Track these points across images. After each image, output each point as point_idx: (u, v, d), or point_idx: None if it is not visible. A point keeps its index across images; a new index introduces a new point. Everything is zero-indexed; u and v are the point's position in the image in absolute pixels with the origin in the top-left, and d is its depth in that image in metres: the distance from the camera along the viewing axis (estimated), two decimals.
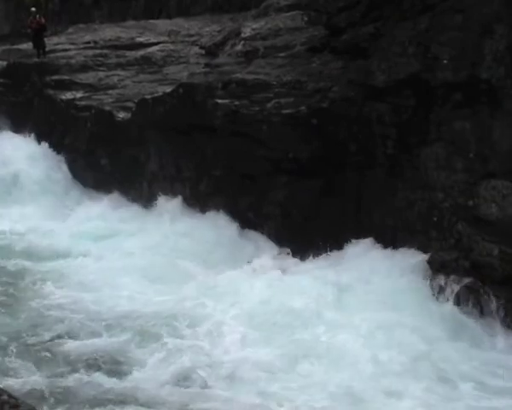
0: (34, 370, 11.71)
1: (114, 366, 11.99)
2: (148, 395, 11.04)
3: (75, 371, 11.75)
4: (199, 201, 18.26)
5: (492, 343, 12.60)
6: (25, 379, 11.32)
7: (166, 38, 26.82)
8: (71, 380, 11.42)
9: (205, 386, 11.42)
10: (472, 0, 14.40)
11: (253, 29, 21.91)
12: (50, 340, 12.89)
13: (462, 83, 14.36)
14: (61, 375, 11.64)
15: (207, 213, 17.88)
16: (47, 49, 26.02)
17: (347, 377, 11.46)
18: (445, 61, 14.65)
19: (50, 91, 23.25)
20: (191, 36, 26.47)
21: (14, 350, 12.38)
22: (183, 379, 11.59)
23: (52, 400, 10.78)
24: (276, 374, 11.73)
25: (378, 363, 11.79)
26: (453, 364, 11.85)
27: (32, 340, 12.85)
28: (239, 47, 21.37)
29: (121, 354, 12.40)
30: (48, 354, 12.38)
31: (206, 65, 21.68)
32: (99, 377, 11.50)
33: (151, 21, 30.18)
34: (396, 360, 11.87)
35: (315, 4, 20.03)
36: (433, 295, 13.73)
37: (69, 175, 21.74)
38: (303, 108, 16.77)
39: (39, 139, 22.83)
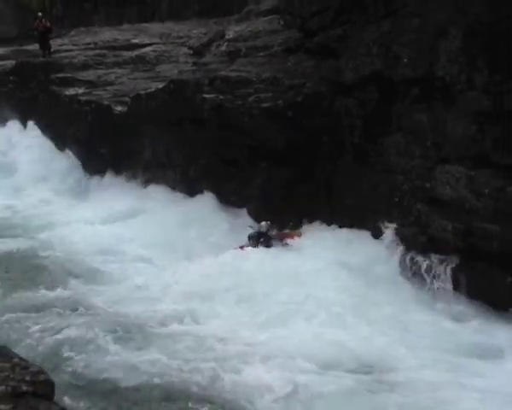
0: None
1: None
2: None
3: None
4: (188, 185, 18.29)
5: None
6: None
7: (158, 40, 26.73)
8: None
9: None
10: (428, 6, 14.44)
11: (236, 31, 21.90)
12: None
13: (419, 80, 14.41)
14: None
15: (196, 197, 17.91)
16: (52, 49, 25.88)
17: None
18: (405, 60, 14.69)
19: (55, 88, 23.14)
20: (181, 38, 26.39)
21: None
22: None
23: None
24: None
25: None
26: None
27: None
28: (223, 47, 21.35)
29: None
30: None
31: (194, 63, 21.65)
32: None
33: (145, 25, 30.05)
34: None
35: (290, 9, 19.98)
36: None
37: (73, 162, 21.62)
38: (280, 102, 16.80)
39: (44, 130, 22.71)
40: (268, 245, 15.36)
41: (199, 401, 9.44)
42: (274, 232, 15.76)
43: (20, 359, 3.55)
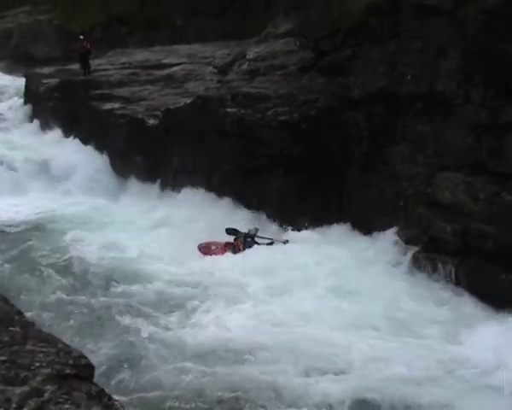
0: None
1: None
2: None
3: None
4: (213, 190, 18.30)
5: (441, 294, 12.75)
6: None
7: (186, 60, 26.75)
8: None
9: None
10: (429, 28, 14.38)
11: (256, 52, 21.87)
12: None
13: (422, 95, 14.35)
14: None
15: (220, 200, 17.92)
16: (91, 68, 26.03)
17: None
18: (409, 78, 14.64)
19: (94, 103, 23.22)
20: (206, 58, 26.40)
21: None
22: None
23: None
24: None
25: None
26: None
27: None
28: (244, 67, 21.32)
29: None
30: None
31: (219, 81, 21.64)
32: None
33: (174, 46, 30.10)
34: None
35: (304, 33, 19.96)
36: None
37: (110, 170, 21.72)
38: (295, 115, 16.77)
39: (84, 141, 22.84)
40: (250, 246, 15.36)
41: None
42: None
43: (64, 345, 3.55)
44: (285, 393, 9.35)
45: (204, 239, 15.62)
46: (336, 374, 9.97)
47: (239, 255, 15.07)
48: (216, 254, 15.26)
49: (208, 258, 15.06)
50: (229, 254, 15.22)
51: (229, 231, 15.63)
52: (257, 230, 15.65)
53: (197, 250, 15.36)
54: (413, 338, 11.17)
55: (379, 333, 11.35)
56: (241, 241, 15.39)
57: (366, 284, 12.85)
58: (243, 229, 15.76)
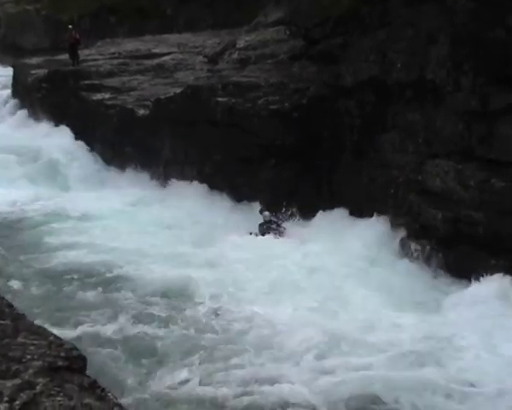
0: None
1: None
2: None
3: None
4: (204, 180, 18.27)
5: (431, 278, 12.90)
6: None
7: (176, 50, 26.61)
8: None
9: None
10: (420, 16, 14.38)
11: (246, 41, 21.79)
12: None
13: (412, 83, 14.38)
14: None
15: (211, 191, 17.89)
16: (80, 59, 25.87)
17: None
18: (399, 66, 14.66)
19: (83, 93, 23.06)
20: (196, 47, 26.27)
21: None
22: None
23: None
24: None
25: None
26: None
27: None
28: (235, 56, 21.26)
29: None
30: None
31: (209, 70, 21.56)
32: None
33: (164, 36, 29.94)
34: None
35: (295, 21, 19.91)
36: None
37: (100, 160, 21.62)
38: (286, 104, 16.75)
39: (74, 131, 22.71)
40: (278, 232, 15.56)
41: None
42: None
43: (56, 337, 3.54)
44: None
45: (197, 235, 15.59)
46: None
47: None
48: None
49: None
50: None
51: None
52: (270, 214, 15.97)
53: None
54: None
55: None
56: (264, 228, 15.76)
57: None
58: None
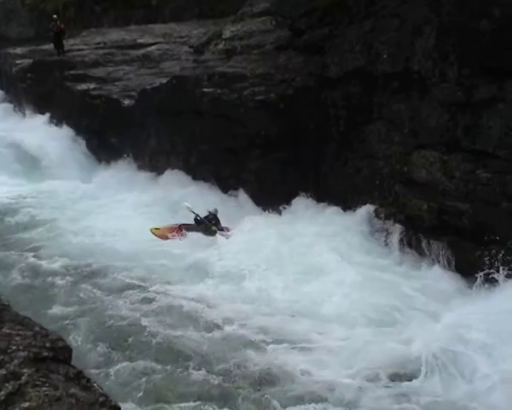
0: None
1: None
2: None
3: None
4: (190, 171, 18.22)
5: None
6: None
7: (162, 40, 26.50)
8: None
9: None
10: (406, 7, 14.38)
11: (232, 31, 21.71)
12: None
13: (398, 73, 14.38)
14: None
15: (197, 181, 17.85)
16: (65, 49, 25.67)
17: None
18: (385, 56, 14.65)
19: (69, 83, 22.93)
20: (182, 37, 26.18)
21: None
22: None
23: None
24: None
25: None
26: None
27: None
28: (221, 46, 21.18)
29: None
30: None
31: (195, 61, 21.48)
32: None
33: (149, 26, 29.78)
34: None
35: (281, 11, 19.88)
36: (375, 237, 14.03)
37: (86, 151, 21.49)
38: (272, 94, 16.73)
39: (60, 122, 22.56)
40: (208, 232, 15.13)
41: None
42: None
43: (41, 328, 3.52)
44: None
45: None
46: None
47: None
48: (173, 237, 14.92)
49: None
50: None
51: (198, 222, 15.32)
52: (216, 212, 15.41)
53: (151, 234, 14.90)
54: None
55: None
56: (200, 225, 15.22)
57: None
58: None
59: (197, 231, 15.17)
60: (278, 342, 10.48)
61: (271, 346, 10.36)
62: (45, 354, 3.22)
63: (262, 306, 11.71)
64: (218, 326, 11.07)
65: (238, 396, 9.07)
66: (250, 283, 12.49)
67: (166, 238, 14.74)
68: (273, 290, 12.16)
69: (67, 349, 3.40)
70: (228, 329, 10.96)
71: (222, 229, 15.32)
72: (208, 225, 15.15)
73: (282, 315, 11.33)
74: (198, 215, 15.22)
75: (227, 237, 14.92)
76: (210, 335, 10.81)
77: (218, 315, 11.40)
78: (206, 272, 13.23)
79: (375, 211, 14.42)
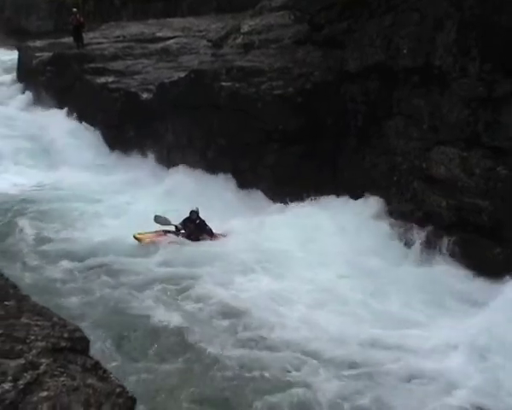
0: None
1: None
2: None
3: None
4: (207, 165, 18.22)
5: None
6: None
7: (181, 33, 26.55)
8: None
9: None
10: (426, 1, 14.26)
11: (250, 25, 21.69)
12: None
13: (418, 68, 14.27)
14: None
15: (213, 176, 17.87)
16: (84, 42, 25.80)
17: None
18: (405, 51, 14.55)
19: (88, 76, 23.04)
20: (201, 31, 26.21)
21: None
22: None
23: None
24: None
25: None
26: None
27: None
28: (239, 40, 21.16)
29: None
30: None
31: (213, 55, 21.49)
32: None
33: (168, 19, 29.85)
34: None
35: (300, 5, 19.82)
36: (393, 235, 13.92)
37: (103, 144, 21.57)
38: (290, 89, 16.67)
39: (78, 115, 22.68)
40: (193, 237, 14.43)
41: None
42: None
43: (59, 318, 3.54)
44: None
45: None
46: None
47: None
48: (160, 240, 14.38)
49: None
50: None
51: (158, 220, 14.64)
52: (197, 210, 14.64)
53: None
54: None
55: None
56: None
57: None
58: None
59: (182, 236, 14.54)
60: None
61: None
62: (63, 344, 3.23)
63: None
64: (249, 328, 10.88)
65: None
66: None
67: (152, 242, 14.17)
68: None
69: (85, 340, 3.42)
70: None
71: (209, 231, 14.52)
72: (192, 228, 14.46)
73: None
74: (175, 225, 14.54)
75: (224, 235, 14.49)
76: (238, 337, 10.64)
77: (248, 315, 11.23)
78: (228, 262, 13.17)
79: (393, 208, 14.32)
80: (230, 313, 11.31)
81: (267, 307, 11.32)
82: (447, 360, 9.67)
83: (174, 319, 11.02)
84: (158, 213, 14.73)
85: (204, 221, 14.63)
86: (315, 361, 9.69)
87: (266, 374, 9.42)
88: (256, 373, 9.45)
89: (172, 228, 14.63)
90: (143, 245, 14.08)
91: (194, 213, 14.59)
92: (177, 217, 14.73)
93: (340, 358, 9.83)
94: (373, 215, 14.49)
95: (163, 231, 14.64)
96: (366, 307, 11.42)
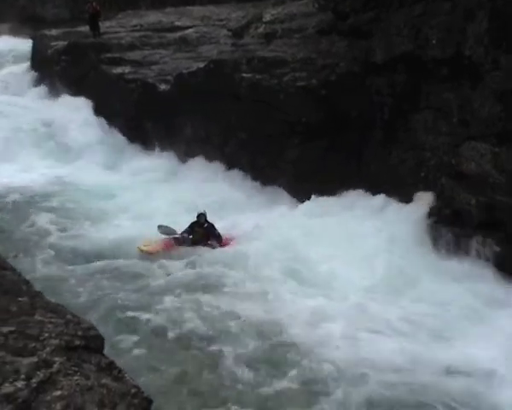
0: None
1: None
2: None
3: None
4: (226, 160, 18.23)
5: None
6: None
7: (200, 22, 26.59)
8: None
9: None
10: None
11: (272, 14, 21.68)
12: None
13: (447, 59, 14.14)
14: None
15: (230, 171, 17.86)
16: (101, 31, 25.93)
17: None
18: (434, 41, 14.44)
19: (104, 66, 23.14)
20: (221, 20, 26.22)
21: None
22: None
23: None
24: None
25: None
26: None
27: None
28: (261, 29, 21.15)
29: None
30: None
31: (233, 44, 21.49)
32: None
33: (187, 8, 29.91)
34: None
35: None
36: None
37: (120, 136, 21.68)
38: (314, 80, 16.63)
39: (94, 106, 22.79)
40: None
41: None
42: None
43: (73, 315, 3.57)
44: None
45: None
46: None
47: None
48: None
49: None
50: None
51: (162, 230, 14.10)
52: (205, 213, 14.13)
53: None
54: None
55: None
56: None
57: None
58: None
59: (189, 244, 13.96)
60: None
61: None
62: (77, 342, 3.25)
63: None
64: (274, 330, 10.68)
65: None
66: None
67: (159, 253, 13.65)
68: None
69: (99, 338, 3.44)
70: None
71: (217, 236, 14.02)
72: (200, 233, 13.95)
73: None
74: (181, 234, 14.00)
75: (232, 239, 14.12)
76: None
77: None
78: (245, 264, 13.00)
79: (421, 205, 14.21)
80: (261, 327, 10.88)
81: (302, 323, 10.85)
82: None
83: (199, 330, 10.68)
84: (161, 224, 14.19)
85: (213, 225, 14.08)
86: None
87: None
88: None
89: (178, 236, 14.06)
90: (151, 257, 13.52)
91: (203, 217, 14.05)
92: (186, 223, 14.24)
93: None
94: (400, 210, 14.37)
95: (171, 238, 14.06)
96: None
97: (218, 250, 13.75)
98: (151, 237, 14.02)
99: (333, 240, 13.52)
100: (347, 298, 11.60)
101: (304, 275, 12.47)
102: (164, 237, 14.07)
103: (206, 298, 11.66)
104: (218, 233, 14.08)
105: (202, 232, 13.96)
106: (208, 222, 14.09)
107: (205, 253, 13.61)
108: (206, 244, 13.91)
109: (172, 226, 14.16)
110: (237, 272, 12.63)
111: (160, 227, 14.10)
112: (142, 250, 13.58)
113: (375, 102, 15.71)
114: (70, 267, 13.05)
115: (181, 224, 14.24)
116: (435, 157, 14.29)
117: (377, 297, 11.65)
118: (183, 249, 13.77)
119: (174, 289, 12.06)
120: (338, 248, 13.21)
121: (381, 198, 14.88)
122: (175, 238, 14.03)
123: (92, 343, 3.34)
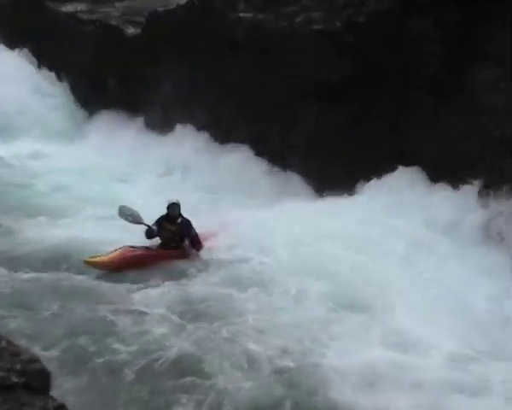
0: None
1: None
2: None
3: None
4: (217, 127, 18.32)
5: None
6: None
7: None
8: None
9: None
10: None
11: None
12: None
13: None
14: None
15: (225, 145, 18.08)
16: None
17: None
18: None
19: (49, 4, 23.13)
20: None
21: None
22: None
23: None
24: None
25: None
26: None
27: None
28: None
29: None
30: None
31: None
32: None
33: None
34: None
35: None
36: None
37: (72, 98, 21.75)
38: (335, 22, 16.58)
39: (38, 58, 22.82)
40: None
41: None
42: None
43: (8, 342, 3.56)
44: None
45: None
46: None
47: None
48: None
49: None
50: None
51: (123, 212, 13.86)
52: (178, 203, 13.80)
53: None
54: None
55: None
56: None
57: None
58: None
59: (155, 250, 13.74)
60: None
61: None
62: (15, 379, 3.31)
63: None
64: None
65: None
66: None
67: (112, 267, 13.22)
68: None
69: (45, 374, 3.48)
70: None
71: (194, 236, 13.74)
72: (172, 232, 13.73)
73: None
74: (149, 226, 13.62)
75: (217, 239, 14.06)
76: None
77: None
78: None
79: (481, 189, 14.33)
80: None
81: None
82: None
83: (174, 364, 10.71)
84: (124, 204, 14.01)
85: (189, 221, 13.73)
86: None
87: None
88: None
89: (144, 228, 13.68)
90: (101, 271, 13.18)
91: (176, 208, 13.69)
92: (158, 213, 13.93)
93: None
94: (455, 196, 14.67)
95: (127, 247, 13.43)
96: None
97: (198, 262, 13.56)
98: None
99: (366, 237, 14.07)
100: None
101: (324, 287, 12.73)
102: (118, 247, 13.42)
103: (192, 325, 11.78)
104: (196, 233, 13.79)
105: (174, 231, 13.72)
106: (183, 217, 13.79)
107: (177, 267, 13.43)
108: (178, 253, 13.68)
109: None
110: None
111: (121, 209, 13.87)
112: (89, 263, 13.09)
113: (418, 53, 15.71)
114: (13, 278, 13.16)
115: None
116: (500, 127, 14.33)
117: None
118: (147, 261, 13.48)
119: (139, 310, 12.13)
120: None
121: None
122: (132, 247, 13.47)
123: (35, 381, 3.39)
